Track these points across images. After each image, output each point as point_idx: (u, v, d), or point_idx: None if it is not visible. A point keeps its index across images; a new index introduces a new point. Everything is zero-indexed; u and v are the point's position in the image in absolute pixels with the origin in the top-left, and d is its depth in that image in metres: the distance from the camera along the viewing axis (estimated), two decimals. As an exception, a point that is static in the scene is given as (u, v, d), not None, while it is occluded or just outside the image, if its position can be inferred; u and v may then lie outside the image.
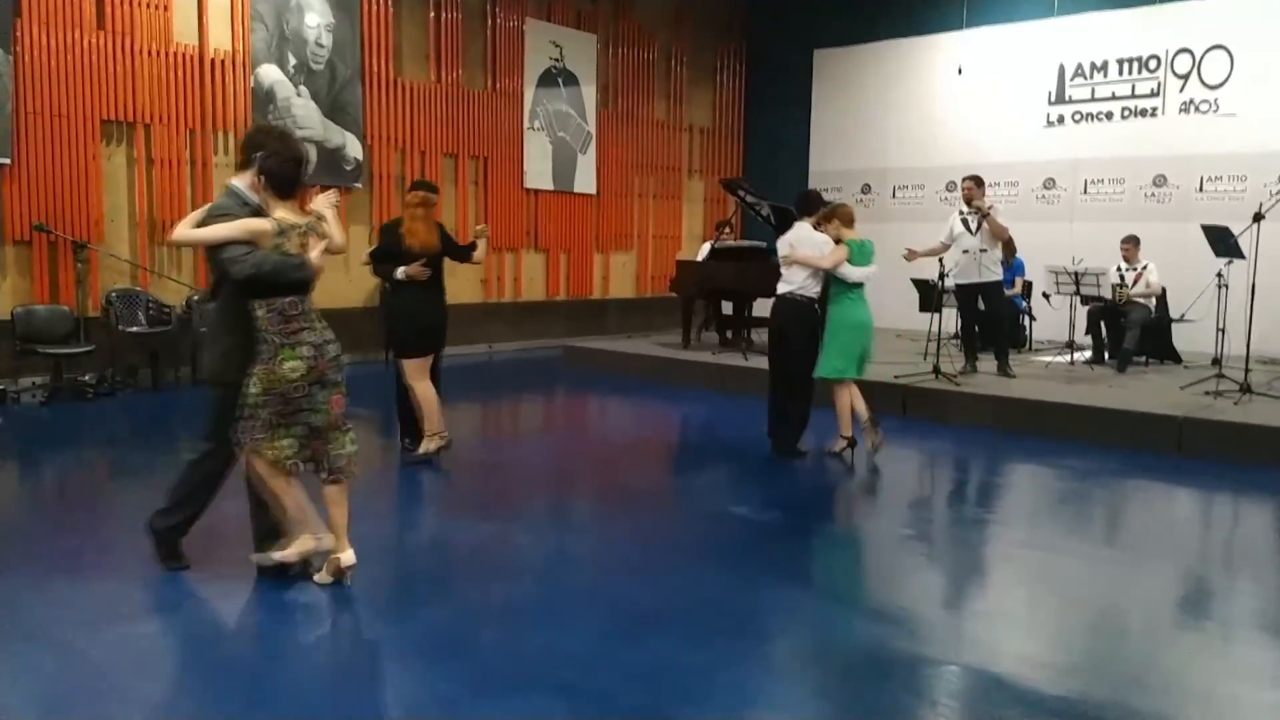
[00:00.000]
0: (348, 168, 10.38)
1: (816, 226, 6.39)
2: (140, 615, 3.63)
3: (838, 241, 6.27)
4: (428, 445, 5.96)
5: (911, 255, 8.44)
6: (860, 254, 6.30)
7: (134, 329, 8.55)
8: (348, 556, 3.91)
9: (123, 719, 2.88)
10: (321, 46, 10.10)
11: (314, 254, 3.85)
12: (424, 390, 5.95)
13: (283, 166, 3.83)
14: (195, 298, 9.16)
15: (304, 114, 10.00)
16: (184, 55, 9.18)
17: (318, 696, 3.09)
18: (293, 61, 9.92)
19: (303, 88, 9.99)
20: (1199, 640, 3.72)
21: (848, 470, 6.33)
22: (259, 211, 3.85)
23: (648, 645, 3.47)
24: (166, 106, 9.10)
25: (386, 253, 6.00)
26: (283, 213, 3.82)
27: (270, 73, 9.77)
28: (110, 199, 8.90)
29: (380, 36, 10.59)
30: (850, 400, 6.42)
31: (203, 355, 4.04)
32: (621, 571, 4.33)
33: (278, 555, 3.90)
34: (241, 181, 3.92)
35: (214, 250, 3.79)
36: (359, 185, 10.49)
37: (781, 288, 6.38)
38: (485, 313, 11.71)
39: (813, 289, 6.30)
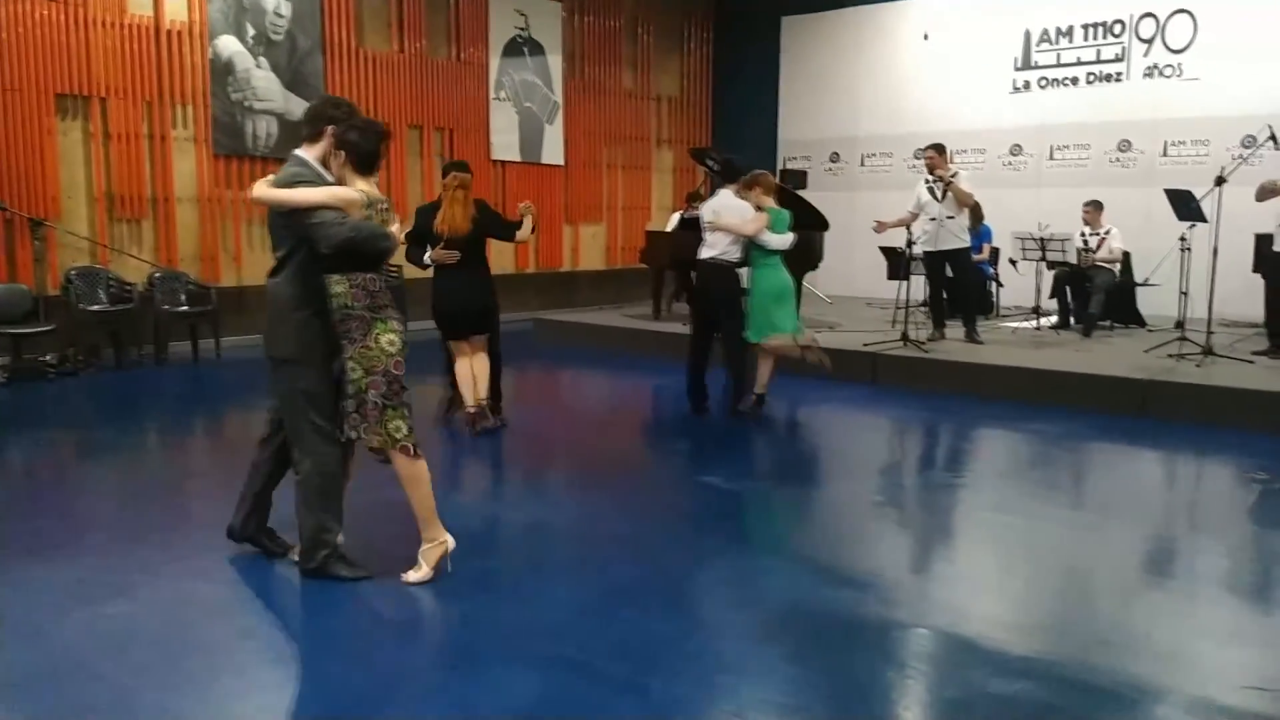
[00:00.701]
0: (311, 141, 10.20)
1: (739, 194, 6.53)
2: (108, 597, 3.59)
3: (759, 209, 6.40)
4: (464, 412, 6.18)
5: (880, 227, 8.47)
6: (779, 221, 6.46)
7: (95, 307, 8.41)
8: (450, 540, 3.79)
9: (91, 701, 2.86)
10: (281, 17, 9.91)
11: (395, 229, 3.73)
12: (459, 367, 6.20)
13: (367, 139, 3.68)
14: (157, 274, 9.03)
15: (264, 86, 9.83)
16: (139, 26, 8.98)
17: (291, 674, 3.08)
18: (251, 32, 9.73)
19: (262, 59, 9.81)
20: (1163, 599, 3.78)
21: (817, 440, 6.37)
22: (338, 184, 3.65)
23: (622, 616, 3.49)
24: (123, 79, 8.91)
25: (419, 236, 6.00)
26: (365, 187, 3.65)
27: (229, 44, 9.58)
28: (67, 175, 8.73)
29: (341, 6, 10.40)
30: (773, 362, 6.66)
31: (269, 333, 3.72)
32: (596, 543, 4.34)
33: (416, 577, 3.69)
34: (309, 154, 3.70)
35: (299, 216, 3.52)
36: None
37: (705, 253, 6.54)
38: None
39: (734, 254, 6.47)
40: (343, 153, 3.65)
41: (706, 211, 6.58)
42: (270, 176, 3.72)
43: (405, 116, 11.10)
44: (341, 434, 3.69)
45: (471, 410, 6.11)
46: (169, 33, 9.15)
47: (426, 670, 3.06)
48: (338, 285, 3.57)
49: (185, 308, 9.04)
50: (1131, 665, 3.09)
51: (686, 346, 6.97)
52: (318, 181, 3.62)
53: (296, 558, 3.84)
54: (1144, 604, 3.72)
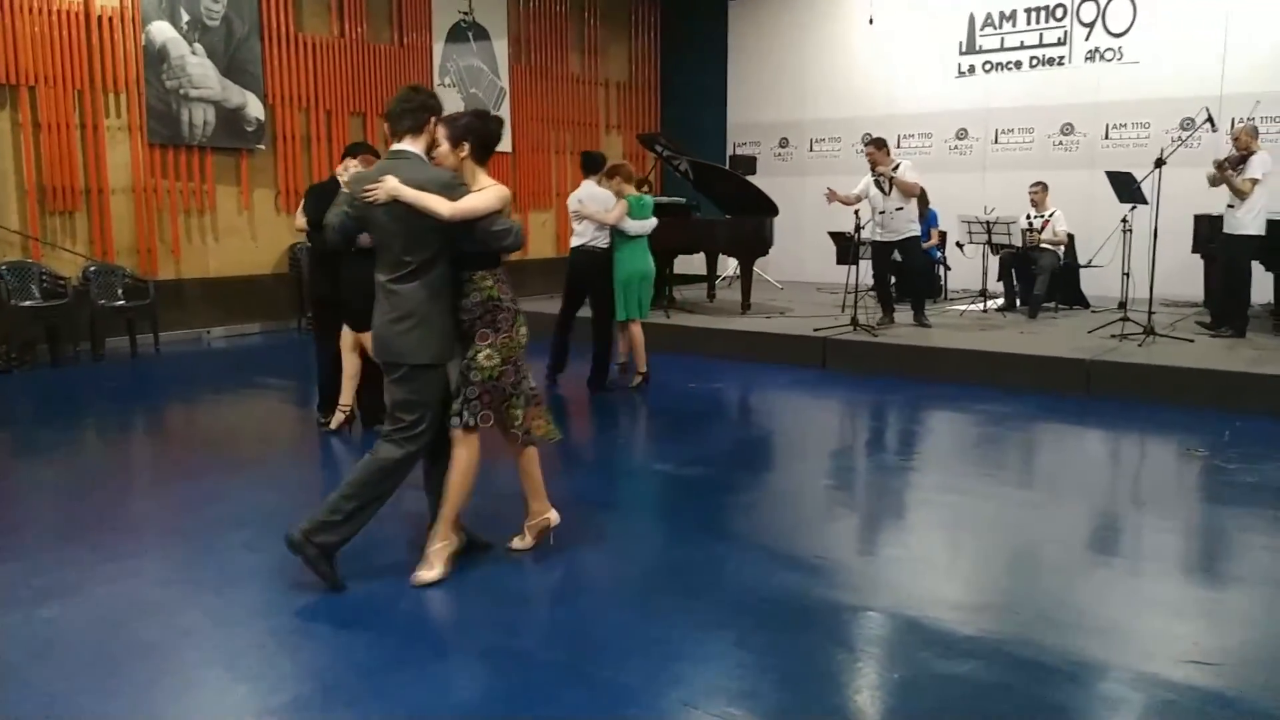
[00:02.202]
0: (249, 129, 9.99)
1: (601, 184, 6.90)
2: (39, 599, 3.46)
3: (620, 197, 6.81)
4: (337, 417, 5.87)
5: (831, 195, 8.46)
6: (639, 208, 6.89)
7: (28, 303, 8.16)
8: (555, 515, 3.99)
9: (20, 709, 2.75)
10: (216, 2, 9.66)
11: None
12: (347, 361, 5.80)
13: (490, 130, 3.67)
14: (92, 268, 8.78)
15: (200, 73, 9.58)
16: (68, 12, 8.70)
17: (231, 675, 2.99)
18: (185, 18, 9.47)
19: (198, 45, 9.56)
20: (1107, 575, 3.82)
21: (769, 425, 6.37)
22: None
23: (571, 605, 3.45)
24: (51, 67, 8.63)
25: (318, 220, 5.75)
26: (485, 179, 3.63)
27: (162, 30, 9.32)
28: (-6, 166, 8.45)
29: (279, -10, 10.18)
30: (638, 338, 7.12)
31: (404, 341, 3.52)
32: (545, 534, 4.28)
33: (431, 576, 3.61)
34: (416, 147, 3.55)
35: (470, 222, 3.48)
36: (262, 147, 10.12)
37: (575, 240, 6.94)
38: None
39: (603, 240, 6.86)
40: (467, 144, 3.60)
41: (572, 201, 6.88)
42: (430, 192, 3.44)
43: (347, 103, 10.90)
44: (461, 421, 3.65)
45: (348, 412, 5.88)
46: (99, 19, 8.88)
47: (370, 668, 2.99)
48: (485, 280, 3.62)
49: (122, 302, 8.81)
50: (1076, 642, 3.11)
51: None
52: (457, 179, 3.55)
53: (517, 541, 3.94)
54: (1089, 580, 3.75)
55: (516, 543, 3.92)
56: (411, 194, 3.42)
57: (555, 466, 5.66)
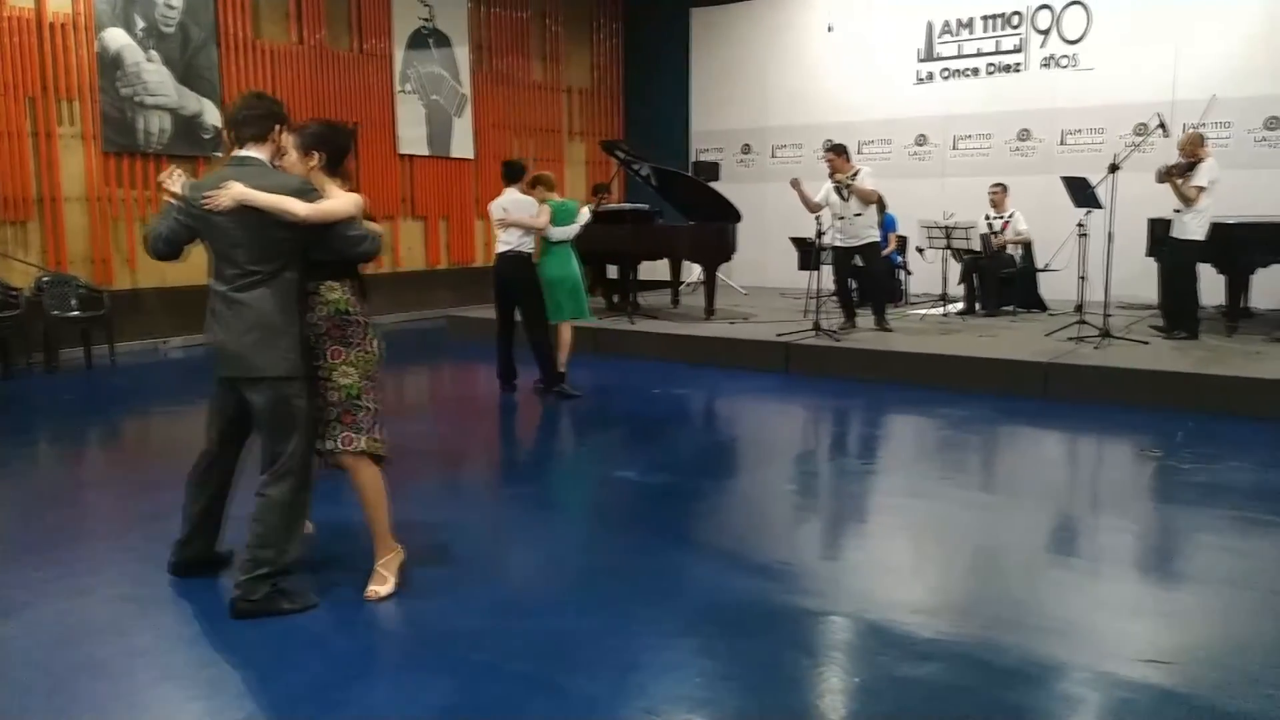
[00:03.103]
0: (206, 136, 9.87)
1: (524, 192, 7.08)
2: (-15, 619, 3.39)
3: (543, 205, 7.03)
4: None
5: (796, 184, 8.45)
6: (562, 214, 7.10)
7: (-22, 314, 7.99)
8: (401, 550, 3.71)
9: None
10: (172, 8, 9.55)
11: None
12: None
13: (341, 142, 3.59)
14: (45, 279, 8.62)
15: (156, 80, 9.46)
16: (19, 19, 8.55)
17: (188, 693, 2.94)
18: (141, 24, 9.35)
19: (153, 52, 9.44)
20: (1065, 576, 3.87)
21: (732, 430, 6.38)
22: None
23: (536, 615, 3.43)
24: (3, 74, 8.48)
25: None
26: (336, 188, 3.53)
27: (117, 36, 9.19)
28: (-57, 174, 8.28)
29: (236, -4, 10.07)
30: (566, 340, 7.28)
31: (256, 352, 3.35)
32: (510, 542, 4.27)
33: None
34: (262, 154, 3.46)
35: (324, 228, 3.38)
36: (219, 154, 9.99)
37: (500, 247, 7.08)
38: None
39: (527, 246, 7.02)
40: (318, 154, 3.51)
41: (496, 209, 7.03)
42: (277, 193, 3.32)
43: (306, 110, 10.77)
44: (323, 444, 3.51)
45: None
46: (52, 25, 8.74)
47: (332, 682, 2.96)
48: (333, 292, 3.49)
49: (76, 313, 8.65)
50: (1035, 643, 3.14)
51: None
52: (309, 184, 3.44)
53: (380, 588, 3.58)
54: (1047, 581, 3.80)
55: (381, 590, 3.56)
56: (265, 198, 3.28)
57: (521, 474, 5.66)
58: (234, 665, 3.10)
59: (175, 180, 3.51)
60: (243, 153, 3.46)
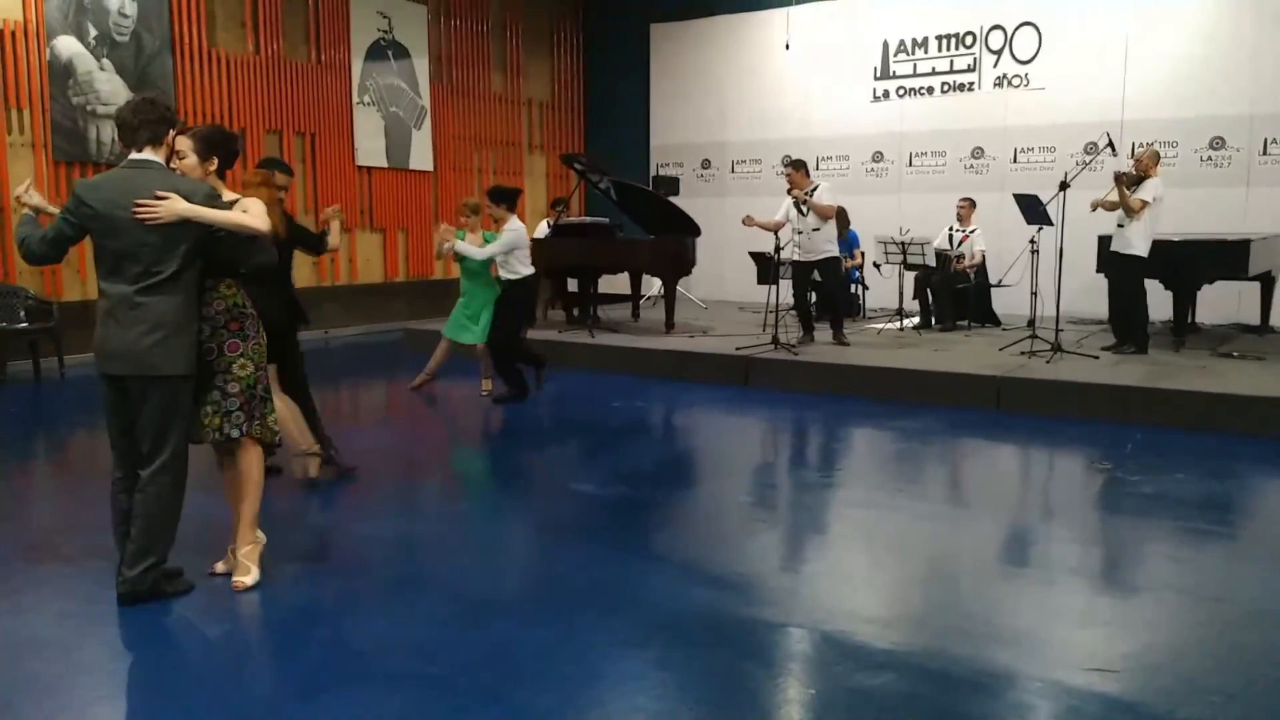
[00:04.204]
0: (161, 146, 9.73)
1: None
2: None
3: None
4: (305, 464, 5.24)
5: (749, 221, 8.58)
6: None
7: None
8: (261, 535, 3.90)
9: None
10: (125, 16, 9.43)
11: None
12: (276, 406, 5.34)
13: (233, 147, 3.75)
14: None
15: (109, 89, 9.33)
16: (-34, 24, 8.40)
17: (133, 711, 2.89)
18: (93, 32, 9.22)
19: (106, 60, 9.31)
20: (1016, 587, 3.93)
21: (691, 443, 6.40)
22: None
23: (489, 628, 3.41)
24: (-52, 80, 8.32)
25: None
26: (230, 193, 3.73)
27: (68, 44, 9.06)
28: (-114, 182, 8.09)
29: (190, 4, 9.98)
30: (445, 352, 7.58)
31: (158, 351, 3.43)
32: (465, 556, 4.24)
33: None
34: (159, 158, 3.52)
35: (244, 236, 3.55)
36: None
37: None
38: (320, 296, 11.24)
39: (510, 270, 7.23)
40: (216, 158, 3.69)
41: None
42: (178, 200, 3.41)
43: (263, 120, 10.71)
44: (221, 435, 3.67)
45: (315, 451, 5.19)
46: (1, 32, 8.58)
47: (278, 697, 2.92)
48: (228, 289, 3.66)
49: (24, 324, 8.48)
50: (987, 652, 3.18)
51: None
52: (215, 191, 3.61)
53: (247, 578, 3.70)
54: (998, 591, 3.85)
55: (246, 579, 3.68)
56: (218, 215, 3.48)
57: (477, 487, 5.63)
58: (181, 681, 3.04)
59: (33, 194, 3.72)
60: (141, 155, 3.52)
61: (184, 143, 3.63)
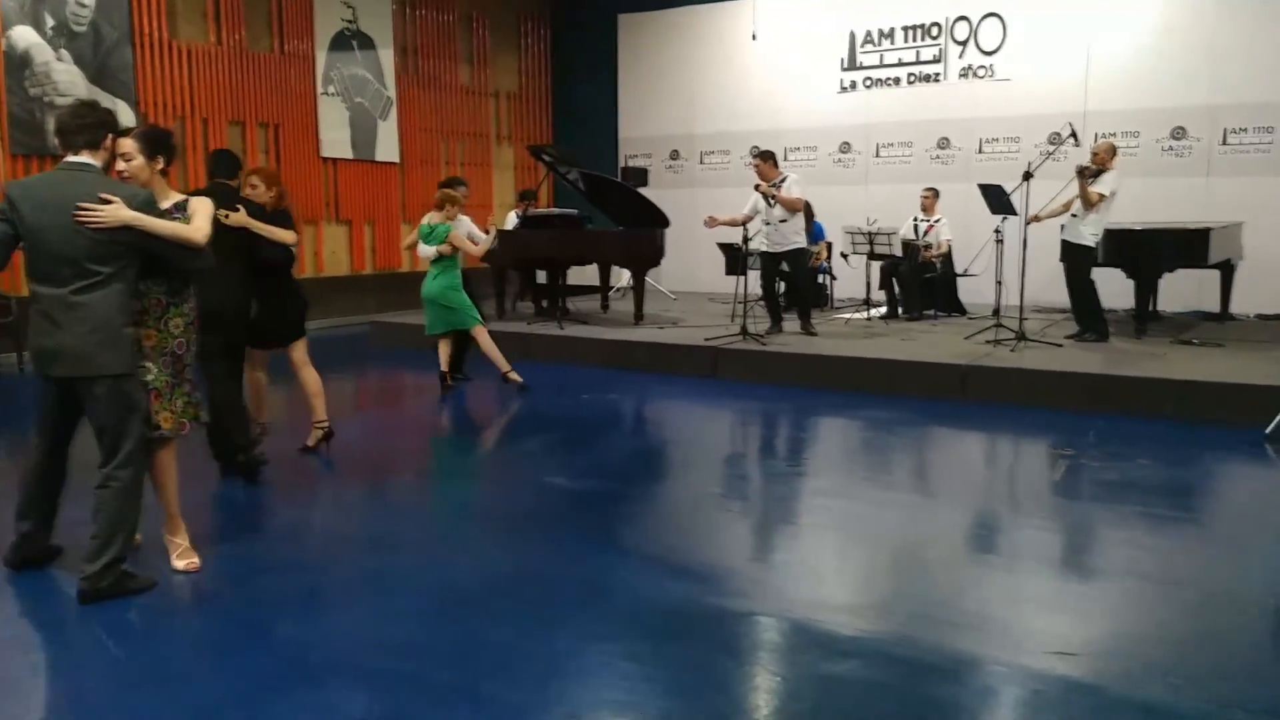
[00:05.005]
0: (122, 138, 9.58)
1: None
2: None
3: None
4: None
5: (711, 222, 8.61)
6: (431, 235, 7.25)
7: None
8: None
9: None
10: (84, 6, 9.26)
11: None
12: (253, 379, 5.62)
13: (171, 139, 3.83)
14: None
15: (67, 80, 9.16)
16: (-83, 13, 8.21)
17: (97, 711, 2.85)
18: (51, 23, 9.05)
19: (64, 51, 9.14)
20: (981, 573, 3.97)
21: (661, 434, 6.41)
22: None
23: (461, 623, 3.40)
24: (-101, 71, 8.13)
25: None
26: (163, 189, 3.78)
27: (25, 35, 8.88)
28: None
29: (151, -5, 9.81)
30: (448, 349, 7.60)
31: (97, 352, 3.46)
32: (437, 550, 4.23)
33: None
34: (97, 162, 3.56)
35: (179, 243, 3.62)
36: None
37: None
38: (286, 290, 11.13)
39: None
40: (162, 158, 3.74)
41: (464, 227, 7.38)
42: (131, 209, 3.47)
43: (225, 112, 10.57)
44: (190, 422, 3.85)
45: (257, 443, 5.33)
46: (-47, 21, 8.42)
47: (243, 696, 2.89)
48: (152, 283, 3.71)
49: (-18, 319, 8.33)
50: (952, 638, 3.22)
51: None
52: (152, 196, 3.65)
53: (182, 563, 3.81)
54: (963, 578, 3.89)
55: (183, 563, 3.83)
56: (159, 225, 3.52)
57: (447, 481, 5.60)
58: (146, 682, 3.01)
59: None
60: (76, 159, 3.53)
61: (129, 144, 3.65)
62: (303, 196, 11.31)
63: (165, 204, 3.74)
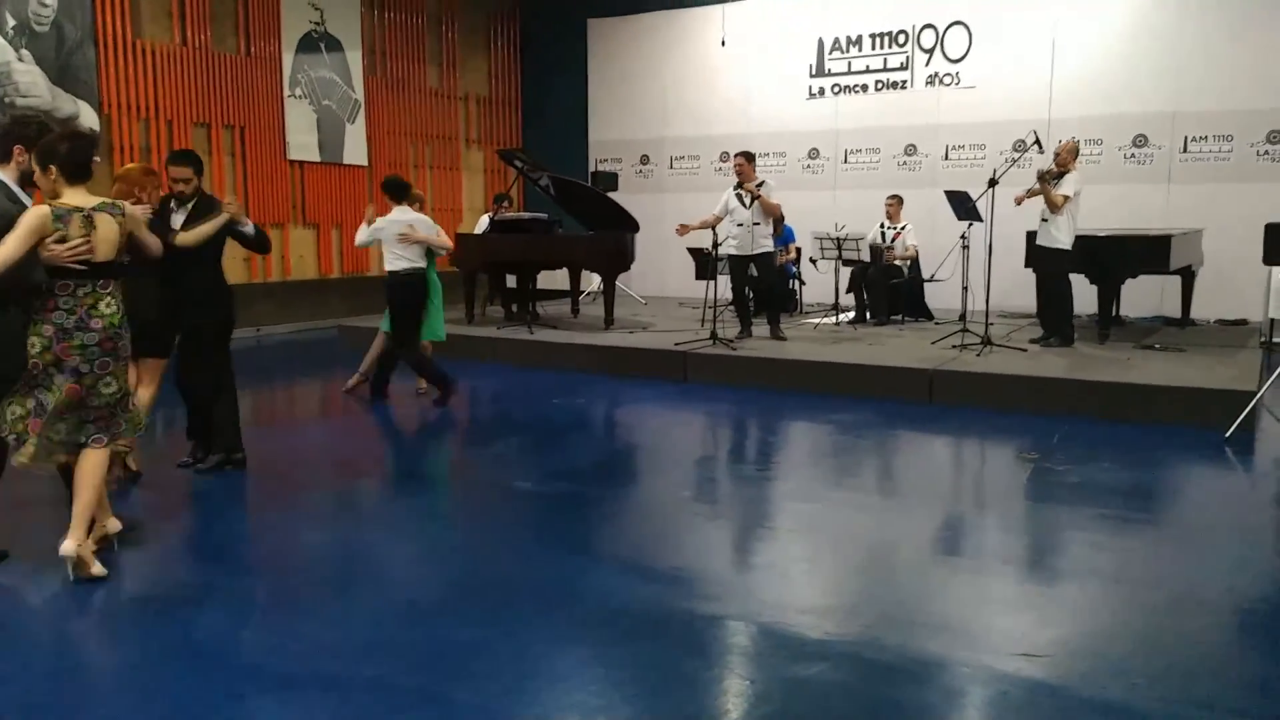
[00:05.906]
0: (84, 139, 9.45)
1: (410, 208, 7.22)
2: None
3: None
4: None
5: (683, 230, 8.64)
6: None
7: None
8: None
9: None
10: (45, 6, 9.14)
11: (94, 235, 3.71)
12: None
13: (78, 151, 3.74)
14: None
15: (28, 81, 9.03)
16: (-127, 10, 8.06)
17: (50, 712, 2.80)
18: (12, 23, 8.92)
19: (25, 52, 9.01)
20: (947, 575, 4.00)
21: (631, 439, 6.41)
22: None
23: (428, 628, 3.38)
24: None
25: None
26: (71, 197, 3.68)
27: (-16, 33, 8.75)
28: None
29: (115, -6, 9.70)
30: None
31: (3, 361, 3.70)
32: (402, 554, 4.20)
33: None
34: (6, 175, 3.65)
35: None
36: (97, 158, 9.58)
37: (399, 264, 7.03)
38: (252, 294, 11.01)
39: (422, 262, 7.08)
40: (53, 167, 3.69)
41: (401, 226, 7.00)
42: None
43: (190, 113, 10.46)
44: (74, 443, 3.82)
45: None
46: (-90, 18, 8.27)
47: (205, 705, 2.85)
48: (107, 306, 3.75)
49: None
50: (917, 639, 3.24)
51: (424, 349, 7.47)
52: (13, 210, 3.66)
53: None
54: (930, 580, 3.92)
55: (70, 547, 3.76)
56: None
57: (415, 485, 5.57)
58: (107, 683, 2.96)
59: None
60: None
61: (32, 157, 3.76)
62: (268, 198, 11.22)
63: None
